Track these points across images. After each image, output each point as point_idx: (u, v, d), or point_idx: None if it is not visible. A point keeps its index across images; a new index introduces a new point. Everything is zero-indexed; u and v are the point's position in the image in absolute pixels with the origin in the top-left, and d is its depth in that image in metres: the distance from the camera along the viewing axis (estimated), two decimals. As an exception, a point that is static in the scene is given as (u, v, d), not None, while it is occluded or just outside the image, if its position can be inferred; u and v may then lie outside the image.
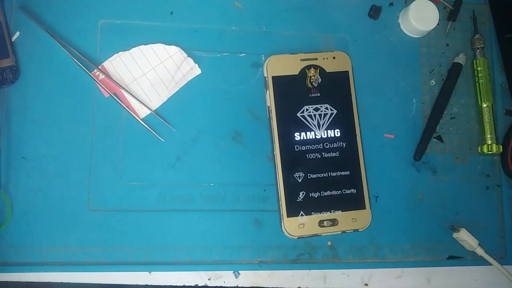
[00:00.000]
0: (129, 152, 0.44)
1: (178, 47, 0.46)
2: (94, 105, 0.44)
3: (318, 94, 0.45)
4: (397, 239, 0.47)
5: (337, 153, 0.45)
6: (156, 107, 0.45)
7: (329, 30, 0.49)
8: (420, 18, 0.48)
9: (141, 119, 0.44)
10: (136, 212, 0.43)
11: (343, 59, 0.46)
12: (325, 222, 0.43)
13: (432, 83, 0.50)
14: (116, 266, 0.42)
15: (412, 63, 0.50)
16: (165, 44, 0.46)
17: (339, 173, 0.44)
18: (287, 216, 0.43)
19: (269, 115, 0.45)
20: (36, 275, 0.41)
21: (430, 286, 0.47)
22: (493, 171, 0.50)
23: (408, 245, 0.47)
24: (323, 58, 0.46)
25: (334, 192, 0.44)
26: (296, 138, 0.44)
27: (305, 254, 0.45)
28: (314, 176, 0.44)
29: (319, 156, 0.44)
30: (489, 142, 0.48)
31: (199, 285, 0.44)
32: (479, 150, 0.49)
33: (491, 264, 0.46)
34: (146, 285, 0.43)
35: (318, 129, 0.45)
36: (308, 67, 0.45)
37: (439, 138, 0.49)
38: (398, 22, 0.50)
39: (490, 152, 0.48)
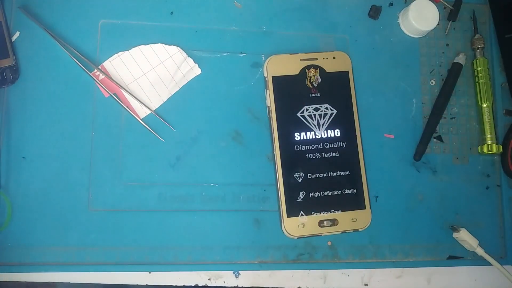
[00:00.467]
0: (129, 152, 0.44)
1: (178, 47, 0.46)
2: (94, 105, 0.44)
3: (318, 94, 0.45)
4: (397, 239, 0.47)
5: (337, 153, 0.45)
6: (156, 107, 0.45)
7: (329, 30, 0.49)
8: (420, 18, 0.48)
9: (141, 119, 0.44)
10: (136, 212, 0.43)
11: (343, 59, 0.46)
12: (325, 222, 0.43)
13: (432, 83, 0.50)
14: (116, 266, 0.42)
15: (412, 63, 0.50)
16: (165, 44, 0.46)
17: (339, 173, 0.44)
18: (287, 216, 0.43)
19: (269, 115, 0.45)
20: (36, 275, 0.41)
21: (430, 286, 0.47)
22: (493, 171, 0.50)
23: (408, 245, 0.47)
24: (323, 58, 0.46)
25: (334, 192, 0.44)
26: (296, 138, 0.44)
27: (305, 254, 0.45)
28: (314, 176, 0.44)
29: (319, 156, 0.44)
30: (489, 142, 0.48)
31: (199, 285, 0.44)
32: (479, 150, 0.49)
33: (491, 264, 0.46)
34: (146, 285, 0.43)
35: (318, 129, 0.45)
36: (308, 67, 0.45)
37: (439, 138, 0.49)
38: (398, 22, 0.50)
39: (490, 152, 0.48)
